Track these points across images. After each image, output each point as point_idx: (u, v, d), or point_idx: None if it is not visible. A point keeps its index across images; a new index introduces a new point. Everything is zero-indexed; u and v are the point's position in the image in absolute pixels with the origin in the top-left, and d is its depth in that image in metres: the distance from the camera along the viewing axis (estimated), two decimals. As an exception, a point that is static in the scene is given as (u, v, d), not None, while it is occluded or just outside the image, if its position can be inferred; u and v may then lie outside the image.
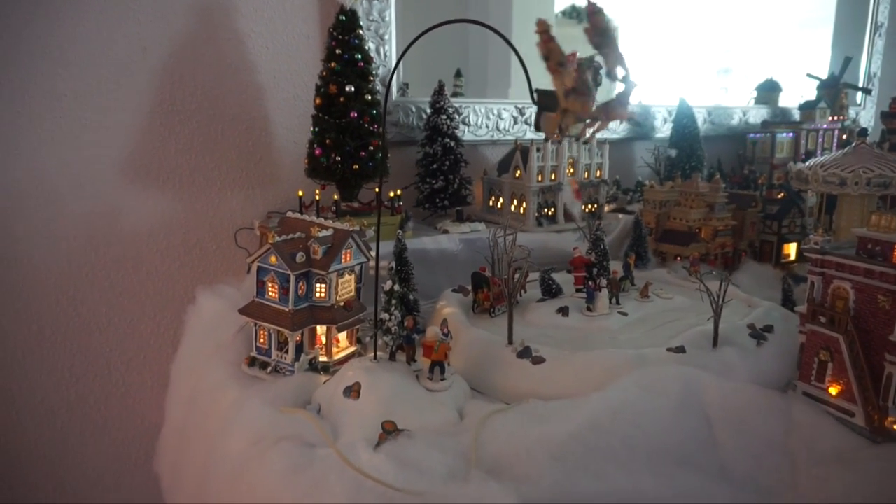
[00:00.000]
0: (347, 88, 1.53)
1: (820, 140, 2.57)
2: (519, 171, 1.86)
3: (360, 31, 1.57)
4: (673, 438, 0.96)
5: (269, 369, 1.22)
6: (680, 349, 1.17)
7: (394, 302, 1.14)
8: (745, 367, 1.14)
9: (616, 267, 1.54)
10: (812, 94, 2.78)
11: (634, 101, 2.26)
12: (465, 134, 2.01)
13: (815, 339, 1.05)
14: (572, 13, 2.61)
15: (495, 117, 2.10)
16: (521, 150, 1.86)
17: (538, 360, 1.15)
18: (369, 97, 1.58)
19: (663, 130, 2.54)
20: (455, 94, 2.11)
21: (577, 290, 1.46)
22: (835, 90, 2.71)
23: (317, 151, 1.56)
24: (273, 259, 1.19)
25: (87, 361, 1.65)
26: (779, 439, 1.00)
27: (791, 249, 2.01)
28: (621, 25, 2.75)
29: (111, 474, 1.72)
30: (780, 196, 2.08)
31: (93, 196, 1.58)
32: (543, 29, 0.91)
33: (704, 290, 1.22)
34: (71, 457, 1.67)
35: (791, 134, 2.54)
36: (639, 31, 2.75)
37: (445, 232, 1.72)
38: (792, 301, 1.51)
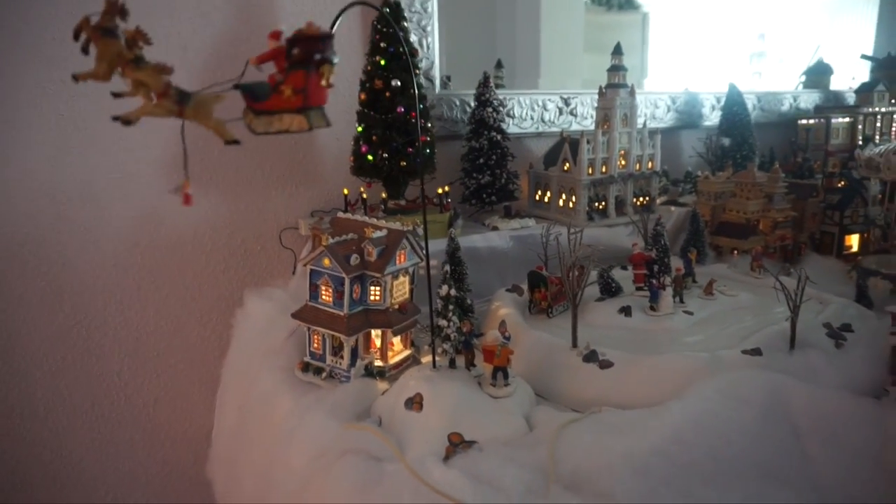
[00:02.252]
0: (394, 83, 1.48)
1: (878, 125, 2.45)
2: (568, 164, 1.79)
3: (405, 24, 1.52)
4: (760, 451, 0.90)
5: (323, 375, 1.18)
6: (756, 351, 1.11)
7: (451, 307, 1.09)
8: (831, 371, 1.07)
9: (676, 263, 1.47)
10: (864, 76, 2.65)
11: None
12: (510, 127, 1.95)
13: (911, 342, 0.97)
14: (601, 0, 2.52)
15: (540, 108, 2.03)
16: (569, 143, 1.79)
17: (606, 365, 1.10)
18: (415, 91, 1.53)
19: (711, 118, 2.45)
20: (496, 87, 2.05)
21: (638, 289, 1.40)
22: (893, 71, 2.58)
23: (363, 148, 1.52)
24: (327, 262, 1.14)
25: (135, 366, 1.64)
26: (873, 451, 0.93)
27: (854, 241, 1.92)
28: (652, 11, 2.66)
29: (160, 479, 1.71)
30: (840, 185, 1.99)
31: (137, 198, 1.56)
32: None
33: (780, 287, 1.15)
34: (120, 461, 1.67)
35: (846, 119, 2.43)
36: (667, 18, 2.65)
37: (495, 229, 1.67)
38: (867, 297, 1.42)
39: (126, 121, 0.74)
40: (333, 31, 0.78)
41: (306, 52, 0.73)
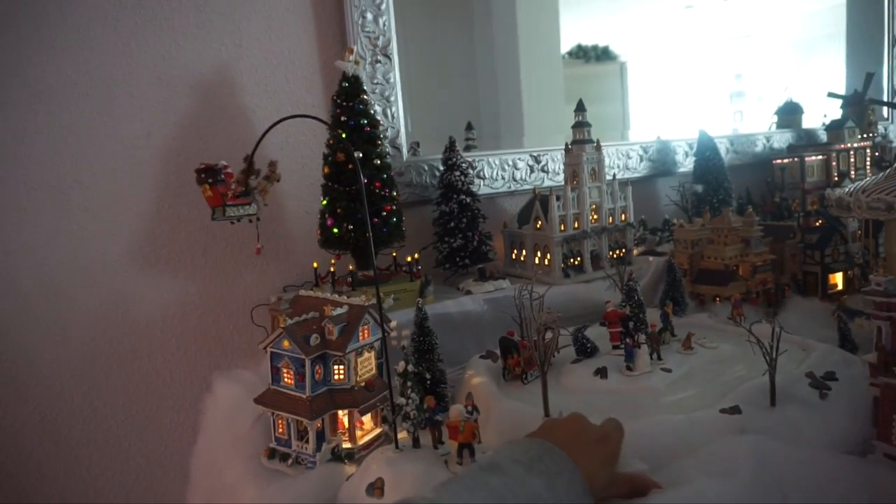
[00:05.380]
0: (355, 155, 1.48)
1: (852, 160, 2.46)
2: (540, 222, 1.78)
3: (365, 97, 1.54)
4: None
5: (290, 461, 1.13)
6: (735, 409, 1.06)
7: (409, 384, 1.05)
8: (813, 426, 1.02)
9: (653, 317, 1.44)
10: (835, 113, 2.68)
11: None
12: (481, 188, 1.95)
13: (890, 394, 0.93)
14: (579, 53, 2.58)
15: (511, 168, 2.04)
16: (539, 200, 1.79)
17: (579, 434, 1.05)
18: (378, 161, 1.53)
19: (685, 165, 2.46)
20: (468, 148, 2.07)
21: (615, 347, 1.36)
22: (860, 107, 2.61)
23: (328, 221, 1.51)
24: (286, 343, 1.12)
25: (106, 458, 1.58)
26: (863, 512, 0.88)
27: (838, 279, 1.89)
28: (629, 61, 2.72)
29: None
30: (818, 223, 1.97)
31: (104, 287, 1.54)
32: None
33: (755, 341, 1.11)
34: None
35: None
36: (646, 66, 2.71)
37: (468, 293, 1.64)
38: (850, 341, 1.39)
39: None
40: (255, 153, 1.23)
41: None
